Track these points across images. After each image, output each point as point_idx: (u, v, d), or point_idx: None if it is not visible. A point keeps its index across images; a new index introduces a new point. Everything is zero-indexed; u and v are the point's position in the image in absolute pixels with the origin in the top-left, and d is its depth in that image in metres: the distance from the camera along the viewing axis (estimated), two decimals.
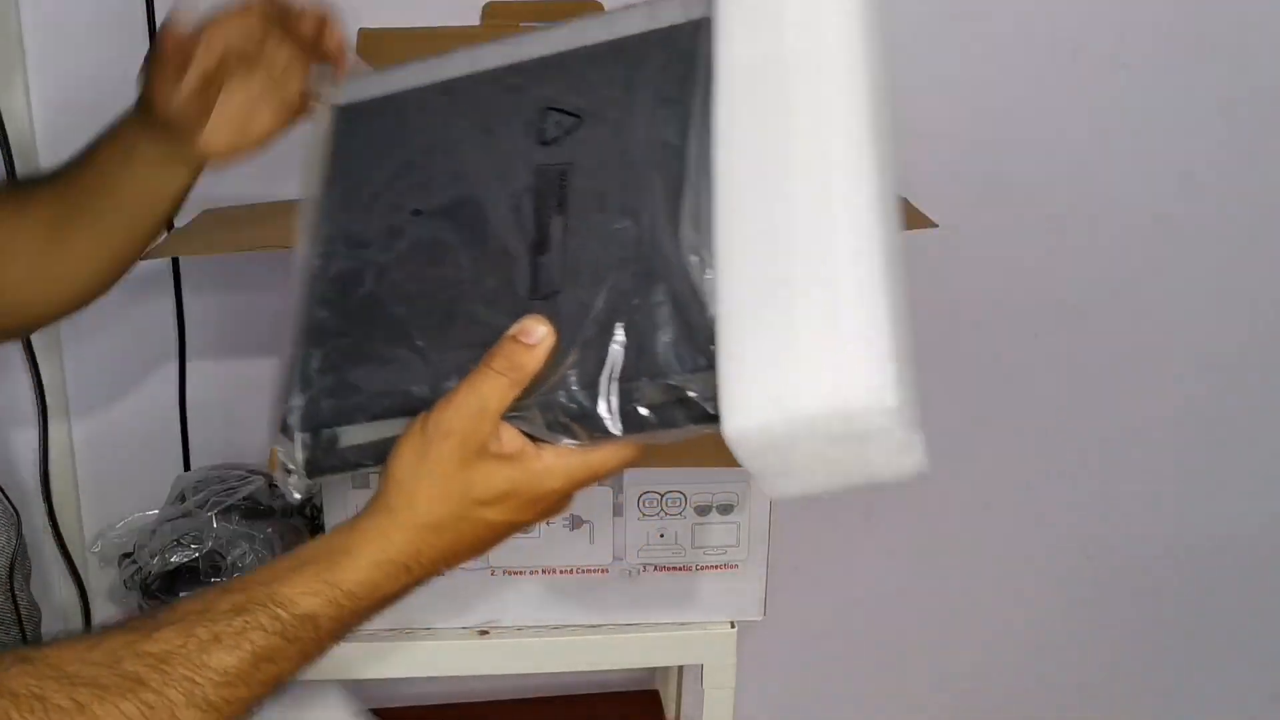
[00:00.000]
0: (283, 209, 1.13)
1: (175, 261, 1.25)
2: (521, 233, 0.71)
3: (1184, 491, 1.49)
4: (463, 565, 0.71)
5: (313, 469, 0.72)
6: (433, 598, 1.03)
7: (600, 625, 1.06)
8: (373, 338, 0.73)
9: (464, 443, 0.66)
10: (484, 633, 1.05)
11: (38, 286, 0.90)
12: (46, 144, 1.19)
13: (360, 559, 0.67)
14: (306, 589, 0.65)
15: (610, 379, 0.65)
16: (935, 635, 1.53)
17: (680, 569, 1.04)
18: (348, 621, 0.67)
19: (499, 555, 1.02)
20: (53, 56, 1.18)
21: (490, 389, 0.65)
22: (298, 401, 0.72)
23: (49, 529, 1.26)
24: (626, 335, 0.65)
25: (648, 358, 0.65)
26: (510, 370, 0.65)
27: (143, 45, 1.18)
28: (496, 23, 1.21)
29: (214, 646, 0.62)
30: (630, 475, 1.00)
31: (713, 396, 0.62)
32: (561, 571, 1.04)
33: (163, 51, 0.81)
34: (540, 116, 0.73)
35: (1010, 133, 1.31)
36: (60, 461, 1.28)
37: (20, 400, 1.25)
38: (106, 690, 0.60)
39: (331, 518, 1.02)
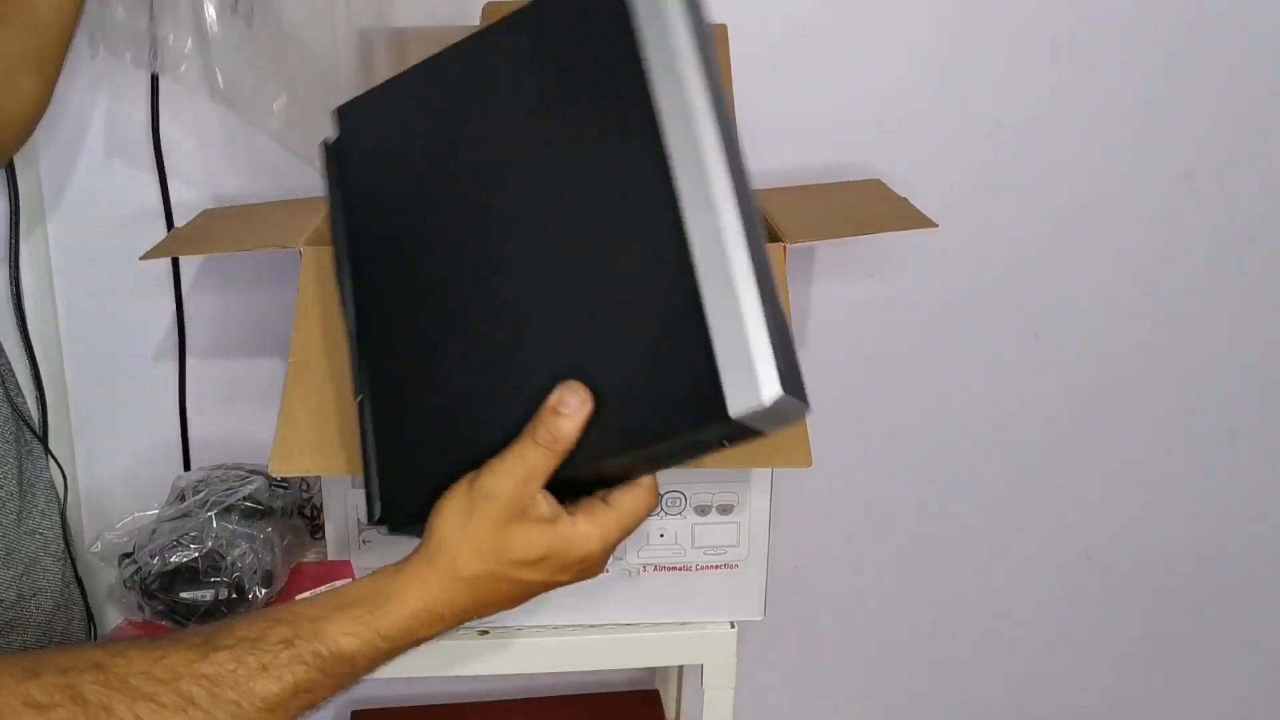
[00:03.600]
0: (283, 209, 1.13)
1: (175, 261, 1.25)
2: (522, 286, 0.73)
3: (1185, 492, 1.49)
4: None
5: None
6: None
7: (600, 625, 1.06)
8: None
9: (507, 507, 0.71)
10: (484, 632, 1.05)
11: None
12: (48, 150, 1.19)
13: (401, 606, 0.72)
14: (349, 630, 0.71)
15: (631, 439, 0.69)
16: (935, 635, 1.53)
17: (680, 569, 1.04)
18: (380, 660, 0.73)
19: None
20: None
21: (535, 458, 0.70)
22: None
23: None
24: (639, 387, 0.68)
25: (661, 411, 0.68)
26: (552, 443, 0.70)
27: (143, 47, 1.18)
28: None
29: (261, 675, 0.68)
30: None
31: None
32: None
33: None
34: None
35: (1010, 132, 1.31)
36: (60, 462, 1.28)
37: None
38: (164, 708, 0.66)
39: (331, 517, 1.02)
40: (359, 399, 0.79)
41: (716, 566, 1.05)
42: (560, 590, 1.03)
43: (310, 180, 0.98)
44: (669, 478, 1.01)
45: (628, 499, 0.73)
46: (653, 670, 1.47)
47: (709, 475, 1.01)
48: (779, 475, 1.02)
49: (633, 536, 1.02)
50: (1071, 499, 1.48)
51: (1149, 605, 1.54)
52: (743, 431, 0.67)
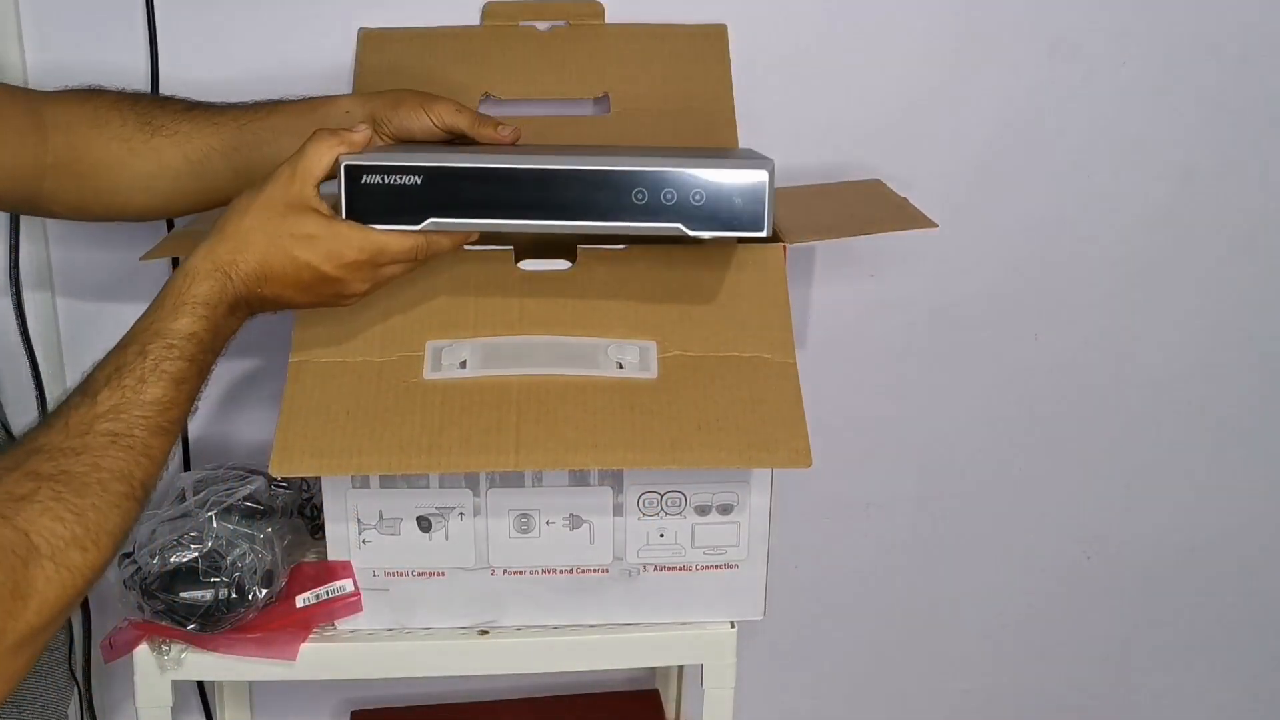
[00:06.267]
0: None
1: (175, 261, 1.25)
2: None
3: (1184, 491, 1.49)
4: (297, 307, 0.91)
5: None
6: (433, 597, 1.04)
7: (600, 625, 1.06)
8: None
9: (288, 181, 0.86)
10: (484, 633, 1.05)
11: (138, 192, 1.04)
12: None
13: (197, 271, 0.85)
14: (176, 315, 0.83)
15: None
16: (935, 635, 1.53)
17: (680, 569, 1.04)
18: (219, 328, 0.85)
19: (499, 555, 1.03)
20: (48, 23, 1.18)
21: (313, 148, 0.87)
22: None
23: None
24: None
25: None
26: (340, 143, 0.88)
27: (138, 11, 1.18)
28: (497, 23, 1.21)
29: (143, 386, 0.80)
30: (630, 475, 1.00)
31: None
32: (561, 571, 1.04)
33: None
34: None
35: (1010, 133, 1.31)
36: None
37: (21, 401, 1.25)
38: (102, 450, 0.77)
39: (332, 517, 1.02)
40: None
41: (716, 566, 1.05)
42: (560, 589, 1.04)
43: None
44: (668, 478, 1.01)
45: (395, 235, 0.88)
46: (653, 670, 1.47)
47: (709, 475, 1.01)
48: (779, 475, 1.02)
49: (633, 536, 1.03)
50: (1071, 499, 1.48)
51: (1149, 604, 1.54)
52: None
